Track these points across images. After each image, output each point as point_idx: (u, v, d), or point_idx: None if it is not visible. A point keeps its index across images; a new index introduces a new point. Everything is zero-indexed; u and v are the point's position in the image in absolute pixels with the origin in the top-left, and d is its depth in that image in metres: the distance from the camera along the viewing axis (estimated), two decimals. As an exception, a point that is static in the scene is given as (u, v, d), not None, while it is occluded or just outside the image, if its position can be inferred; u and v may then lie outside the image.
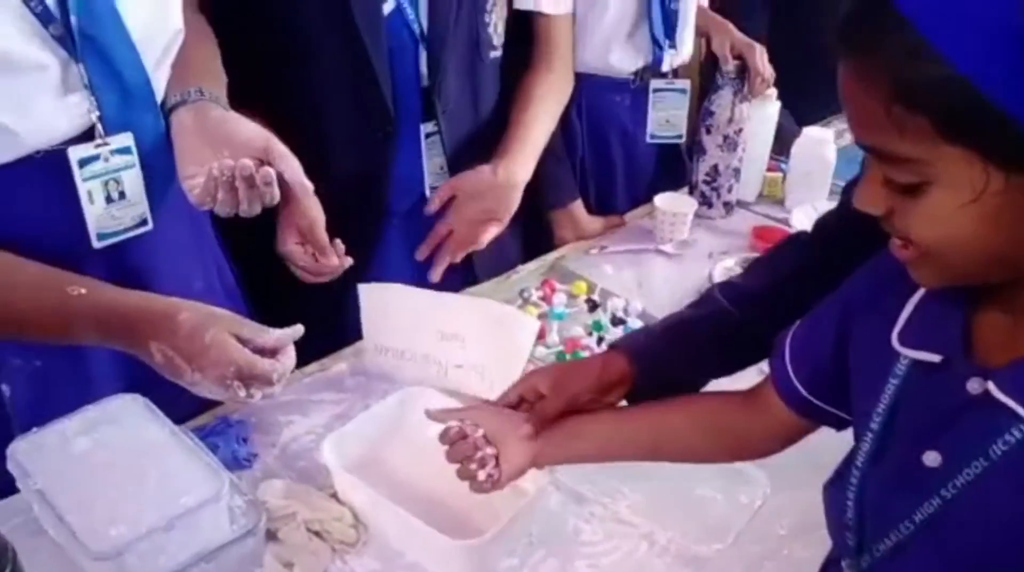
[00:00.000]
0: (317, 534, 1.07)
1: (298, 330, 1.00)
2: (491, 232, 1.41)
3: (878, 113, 0.61)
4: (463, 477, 1.00)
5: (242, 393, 0.95)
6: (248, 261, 1.41)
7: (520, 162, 1.45)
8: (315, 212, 1.31)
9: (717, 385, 1.06)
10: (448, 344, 1.31)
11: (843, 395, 0.82)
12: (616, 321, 1.43)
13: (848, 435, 0.88)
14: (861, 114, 0.64)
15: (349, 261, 1.31)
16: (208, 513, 0.97)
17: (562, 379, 1.02)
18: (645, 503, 1.17)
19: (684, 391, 1.04)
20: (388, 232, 1.46)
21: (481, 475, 0.99)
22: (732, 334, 1.04)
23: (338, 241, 1.33)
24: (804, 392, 0.87)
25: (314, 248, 1.30)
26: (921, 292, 0.74)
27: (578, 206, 1.76)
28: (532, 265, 1.65)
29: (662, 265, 1.72)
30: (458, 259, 1.42)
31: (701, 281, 1.65)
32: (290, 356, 0.99)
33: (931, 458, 0.69)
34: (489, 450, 1.00)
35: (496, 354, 1.28)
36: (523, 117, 1.48)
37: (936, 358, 0.70)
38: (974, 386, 0.67)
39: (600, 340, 1.40)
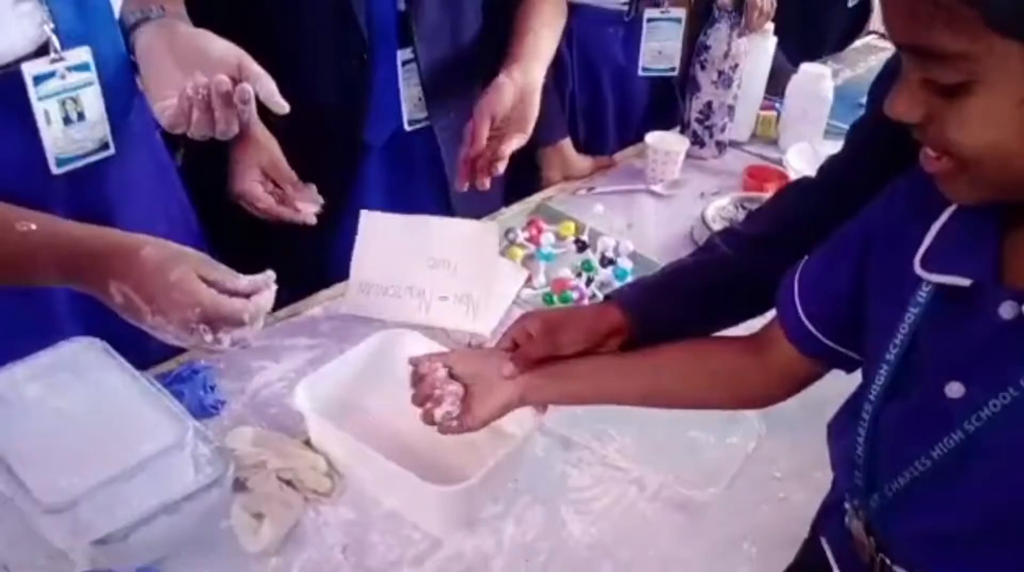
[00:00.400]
0: (289, 483, 1.01)
1: (270, 276, 0.93)
2: (514, 144, 1.31)
3: (925, 4, 0.55)
4: (425, 420, 0.94)
5: (208, 337, 0.87)
6: (210, 208, 1.34)
7: (535, 65, 1.32)
8: (275, 147, 1.24)
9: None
10: (436, 273, 1.26)
11: (858, 334, 0.76)
12: (605, 261, 1.36)
13: (846, 377, 0.82)
14: (905, 7, 0.57)
15: (320, 203, 1.24)
16: (170, 462, 0.91)
17: (553, 324, 0.96)
18: (635, 447, 1.11)
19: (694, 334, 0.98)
20: (366, 166, 1.38)
21: (437, 413, 0.93)
22: (735, 282, 0.96)
23: (311, 184, 1.26)
24: (816, 333, 0.80)
25: (281, 183, 1.23)
26: (946, 215, 0.67)
27: (567, 144, 1.68)
28: (517, 206, 1.58)
29: (653, 206, 1.65)
30: (487, 185, 1.33)
31: (692, 221, 1.58)
32: (265, 296, 0.92)
33: (954, 389, 0.63)
34: (451, 388, 0.95)
35: (483, 282, 1.23)
36: (528, 25, 1.36)
37: (965, 282, 0.63)
38: (1007, 311, 0.61)
39: (589, 281, 1.33)
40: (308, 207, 1.23)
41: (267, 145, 1.23)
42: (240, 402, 1.14)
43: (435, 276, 1.26)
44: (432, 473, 0.98)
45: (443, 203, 1.45)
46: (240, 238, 1.27)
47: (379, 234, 1.28)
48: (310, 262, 1.32)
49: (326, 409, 1.06)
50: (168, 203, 1.22)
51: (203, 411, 1.11)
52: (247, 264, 0.95)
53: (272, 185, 1.23)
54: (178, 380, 1.14)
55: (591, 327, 0.95)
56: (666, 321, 0.96)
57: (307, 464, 1.02)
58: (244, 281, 0.91)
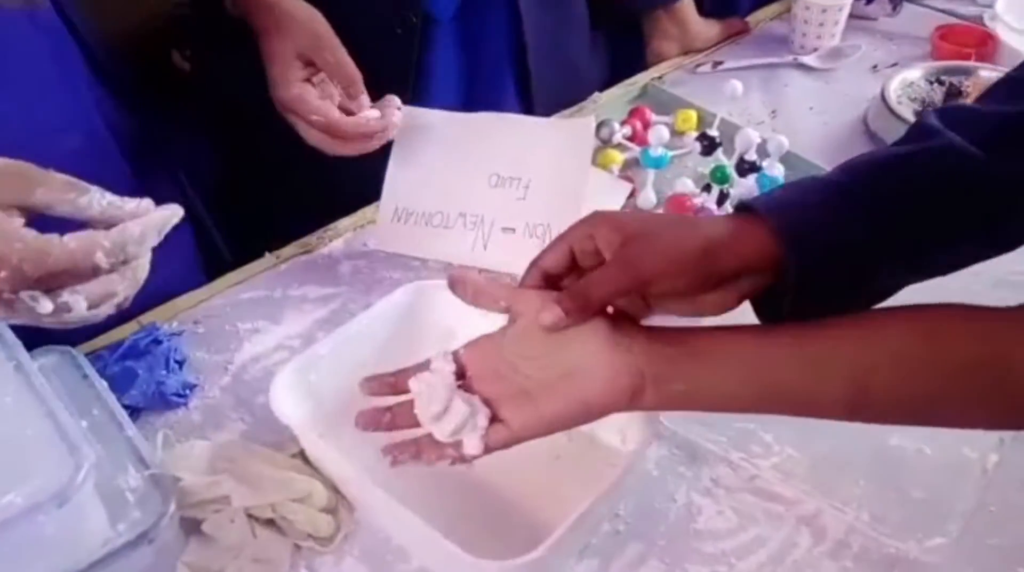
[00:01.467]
0: (271, 524, 0.66)
1: (175, 211, 0.55)
2: None
3: None
4: (392, 457, 0.60)
5: (46, 309, 0.51)
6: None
7: None
8: (318, 20, 0.84)
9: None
10: (501, 193, 0.89)
11: None
12: (745, 167, 0.94)
13: None
14: None
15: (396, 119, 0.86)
16: (58, 515, 0.57)
17: (641, 240, 0.56)
18: (803, 462, 0.72)
19: (871, 298, 0.57)
20: (429, 47, 0.99)
21: (442, 430, 0.58)
22: (972, 191, 0.56)
23: (391, 96, 0.87)
24: None
25: (339, 79, 0.84)
26: None
27: (686, 5, 1.23)
28: (616, 90, 1.16)
29: (805, 85, 1.20)
30: None
31: (865, 104, 1.13)
32: (151, 223, 0.54)
33: None
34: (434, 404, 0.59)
35: (569, 206, 0.84)
36: None
37: None
38: None
39: (723, 197, 0.92)
40: (386, 115, 0.86)
41: (307, 21, 0.84)
42: (217, 386, 0.79)
43: (500, 198, 0.88)
44: (480, 505, 0.62)
45: (520, 89, 1.05)
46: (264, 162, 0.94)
47: (424, 138, 0.90)
48: (348, 184, 0.93)
49: (325, 410, 0.70)
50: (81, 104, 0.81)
51: (162, 401, 0.77)
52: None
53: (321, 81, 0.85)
54: (132, 353, 0.80)
55: (710, 251, 0.55)
56: (850, 255, 0.55)
57: (296, 494, 0.67)
58: (129, 207, 0.53)
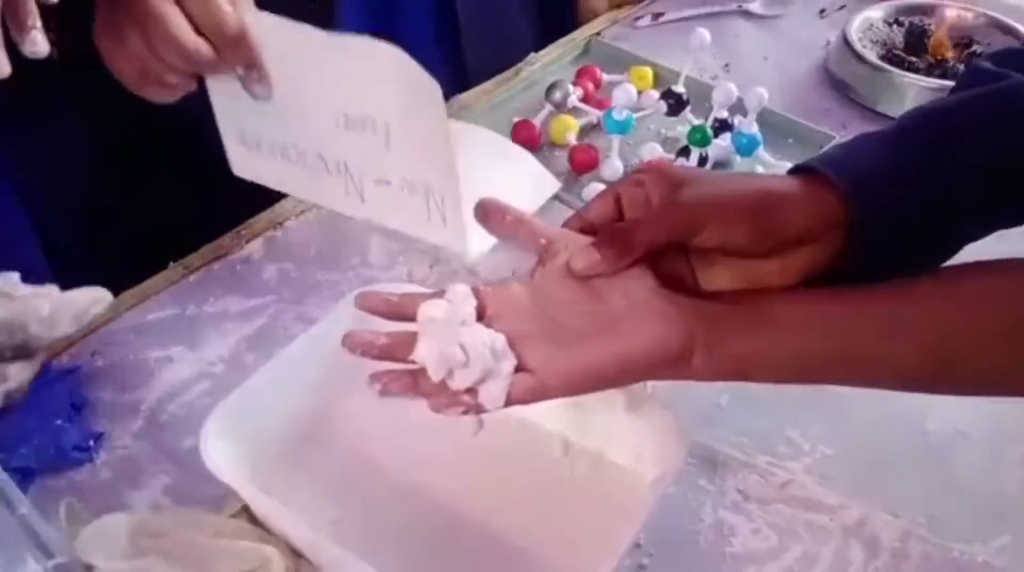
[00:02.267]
0: (217, 606, 0.53)
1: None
2: None
3: None
4: (439, 407, 0.47)
5: None
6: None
7: None
8: None
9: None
10: (359, 138, 0.62)
11: None
12: (716, 127, 0.83)
13: None
14: None
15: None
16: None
17: (695, 185, 0.48)
18: (839, 460, 0.62)
19: (940, 257, 0.49)
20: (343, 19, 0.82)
21: (486, 395, 0.46)
22: None
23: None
24: None
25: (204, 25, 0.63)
26: None
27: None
28: (555, 48, 1.03)
29: (755, 35, 1.10)
30: None
31: (822, 53, 1.05)
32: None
33: None
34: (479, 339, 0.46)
35: (441, 162, 0.59)
36: None
37: None
38: None
39: (703, 161, 0.81)
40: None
41: None
42: (130, 433, 0.64)
43: (358, 144, 0.63)
44: (474, 551, 0.52)
45: (451, 56, 0.92)
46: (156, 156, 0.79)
47: (276, 53, 0.63)
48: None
49: (269, 455, 0.57)
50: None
51: (62, 459, 0.62)
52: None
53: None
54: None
55: (775, 212, 0.47)
56: (924, 214, 0.47)
57: (249, 566, 0.53)
58: None
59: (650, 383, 0.65)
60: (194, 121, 0.70)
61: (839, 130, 0.91)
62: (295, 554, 0.55)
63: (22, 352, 0.40)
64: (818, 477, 0.61)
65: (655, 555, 0.57)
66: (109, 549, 0.52)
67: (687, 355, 0.45)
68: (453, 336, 0.46)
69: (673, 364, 0.46)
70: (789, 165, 0.81)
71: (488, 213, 0.50)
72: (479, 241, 0.63)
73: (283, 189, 0.70)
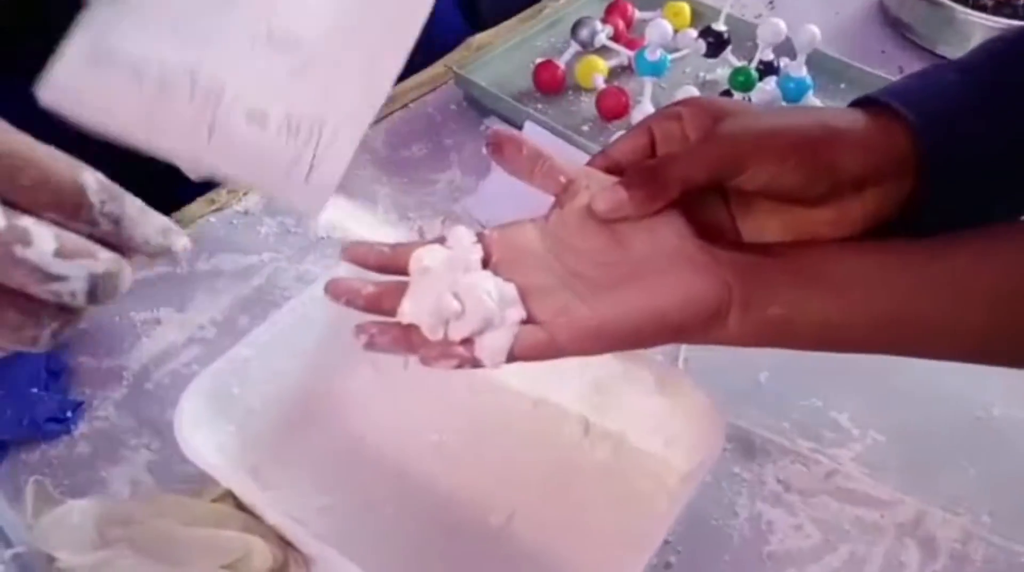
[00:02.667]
0: (197, 600, 0.48)
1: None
2: None
3: None
4: (429, 359, 0.40)
5: None
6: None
7: None
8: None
9: None
10: (266, 58, 0.47)
11: None
12: (761, 69, 0.75)
13: None
14: None
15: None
16: None
17: (740, 118, 0.42)
18: (892, 448, 0.56)
19: (1011, 209, 0.43)
20: None
21: (483, 348, 0.39)
22: None
23: None
24: None
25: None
26: None
27: None
28: (583, -18, 0.95)
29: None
30: None
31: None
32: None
33: None
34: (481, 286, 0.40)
35: (367, 98, 0.46)
36: None
37: None
38: None
39: None
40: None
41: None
42: (112, 402, 0.59)
43: (260, 64, 0.48)
44: (481, 547, 0.47)
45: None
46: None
47: None
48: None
49: (257, 433, 0.51)
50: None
51: (36, 431, 0.57)
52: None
53: None
54: (-11, 366, 0.59)
55: (838, 146, 0.40)
56: (1001, 159, 0.41)
57: (229, 557, 0.48)
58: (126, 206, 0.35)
59: (681, 357, 0.59)
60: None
61: (895, 75, 0.82)
62: (284, 542, 0.50)
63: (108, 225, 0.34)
64: (867, 467, 0.55)
65: (683, 552, 0.51)
66: (73, 539, 0.46)
67: (721, 314, 0.39)
68: (449, 284, 0.40)
69: (704, 324, 0.39)
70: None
71: (502, 144, 0.43)
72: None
73: (104, 124, 0.45)
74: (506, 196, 0.44)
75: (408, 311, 0.40)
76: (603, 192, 0.41)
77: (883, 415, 0.57)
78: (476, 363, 0.39)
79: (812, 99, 0.73)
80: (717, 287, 0.39)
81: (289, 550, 0.50)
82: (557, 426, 0.54)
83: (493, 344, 0.38)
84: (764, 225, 0.43)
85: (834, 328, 0.40)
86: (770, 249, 0.42)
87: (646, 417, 0.51)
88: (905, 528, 0.52)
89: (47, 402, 0.58)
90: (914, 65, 0.86)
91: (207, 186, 0.72)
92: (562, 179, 0.43)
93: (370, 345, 0.40)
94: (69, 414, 0.58)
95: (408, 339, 0.40)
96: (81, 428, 0.57)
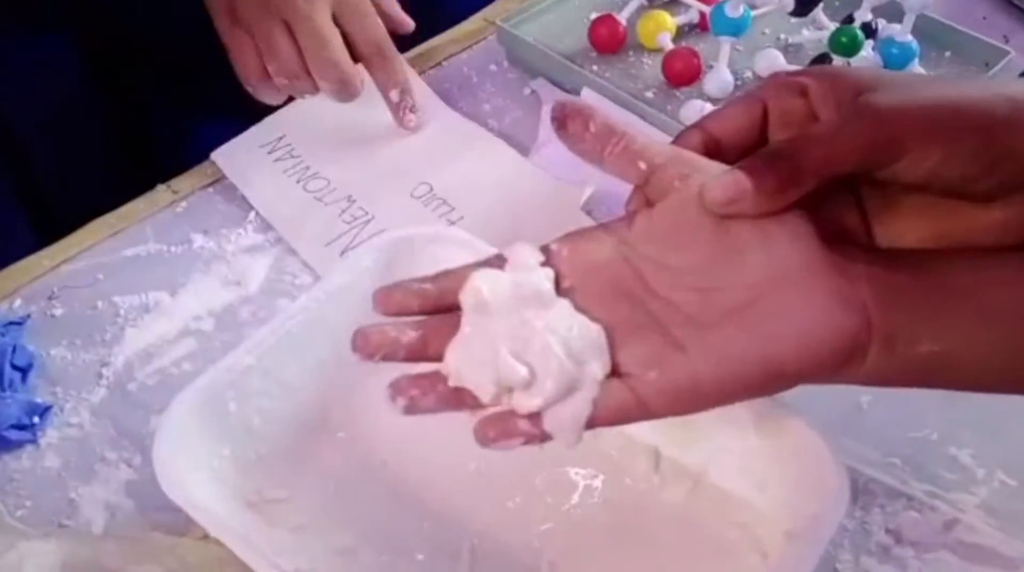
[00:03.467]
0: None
1: None
2: None
3: None
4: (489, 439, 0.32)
5: None
6: None
7: None
8: None
9: None
10: (420, 207, 0.59)
11: None
12: (863, 31, 0.64)
13: None
14: None
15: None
16: None
17: (891, 90, 0.32)
18: (1026, 494, 0.46)
19: None
20: None
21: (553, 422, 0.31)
22: None
23: None
24: None
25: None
26: None
27: None
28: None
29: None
30: None
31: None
32: None
33: None
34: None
35: None
36: None
37: None
38: None
39: None
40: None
41: None
42: (88, 406, 0.50)
43: (415, 209, 0.59)
44: None
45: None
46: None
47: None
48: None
49: (260, 459, 0.42)
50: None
51: (-6, 439, 0.48)
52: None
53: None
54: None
55: (1016, 121, 0.31)
56: None
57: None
58: None
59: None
60: (192, 38, 0.57)
61: (1001, 42, 0.71)
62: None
63: None
64: (996, 516, 0.45)
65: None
66: (26, 592, 0.37)
67: (857, 356, 0.30)
68: (513, 330, 0.30)
69: (836, 369, 0.31)
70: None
71: (568, 117, 0.34)
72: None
73: (258, 206, 0.59)
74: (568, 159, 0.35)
75: (457, 371, 0.31)
76: (719, 180, 0.31)
77: (1014, 452, 0.47)
78: (545, 439, 0.30)
79: (917, 68, 0.63)
80: (854, 322, 0.30)
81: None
82: (622, 458, 0.44)
83: (568, 415, 0.29)
84: (908, 227, 0.34)
85: (993, 369, 0.32)
86: (912, 260, 0.32)
87: (736, 455, 0.41)
88: (1045, 596, 0.43)
89: (10, 404, 0.49)
90: (1018, 33, 0.75)
91: (203, 154, 0.62)
92: (642, 166, 0.33)
93: (411, 409, 0.31)
94: (36, 420, 0.49)
95: (461, 400, 0.31)
96: (49, 437, 0.49)
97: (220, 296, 0.55)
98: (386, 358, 0.32)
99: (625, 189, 0.35)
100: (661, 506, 0.43)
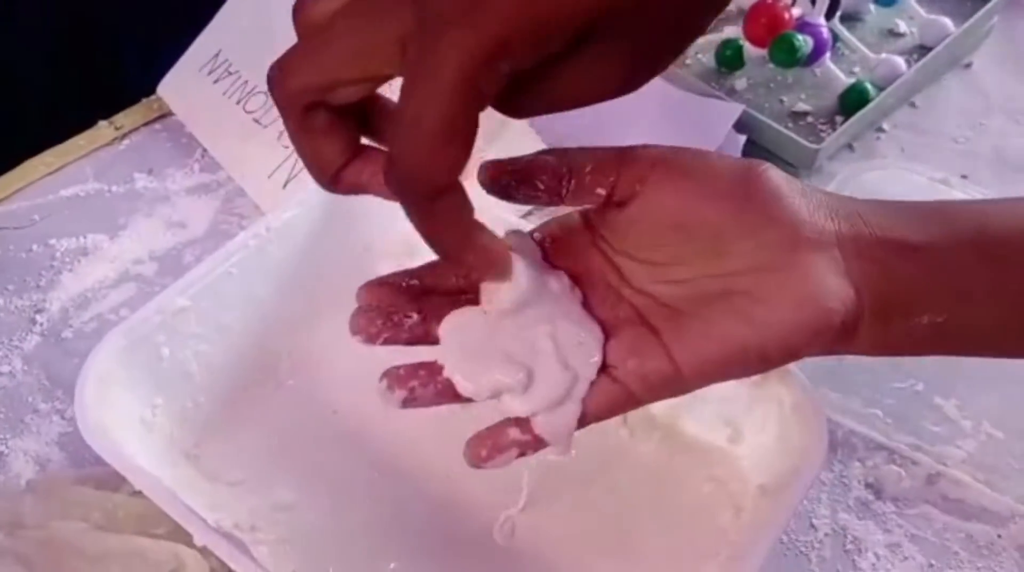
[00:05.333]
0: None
1: None
2: None
3: None
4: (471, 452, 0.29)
5: None
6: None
7: None
8: None
9: None
10: None
11: None
12: None
13: None
14: None
15: None
16: None
17: None
18: (1013, 447, 0.44)
19: None
20: None
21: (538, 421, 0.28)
22: None
23: None
24: None
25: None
26: None
27: None
28: None
29: None
30: None
31: None
32: None
33: None
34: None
35: None
36: None
37: None
38: None
39: (834, 5, 0.58)
40: None
41: None
42: (20, 352, 0.47)
43: None
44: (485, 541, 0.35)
45: None
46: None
47: None
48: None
49: (195, 407, 0.39)
50: None
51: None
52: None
53: None
54: None
55: None
56: None
57: (147, 568, 0.36)
58: None
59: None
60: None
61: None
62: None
63: None
64: (982, 470, 0.43)
65: None
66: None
67: (847, 330, 0.28)
68: (519, 331, 0.28)
69: (825, 346, 0.28)
70: (943, 20, 0.60)
71: (497, 178, 0.29)
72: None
73: (200, 136, 0.55)
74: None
75: (453, 366, 0.28)
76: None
77: (1001, 404, 0.45)
78: (539, 446, 0.28)
79: (909, 2, 0.60)
80: (841, 300, 0.28)
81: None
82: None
83: (560, 420, 0.28)
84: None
85: (1007, 335, 0.30)
86: (911, 230, 0.29)
87: (712, 403, 0.39)
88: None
89: (-65, 352, 0.45)
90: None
91: (149, 88, 0.58)
92: (600, 191, 0.29)
93: (410, 402, 0.29)
94: (-37, 368, 0.45)
95: (458, 394, 0.29)
96: (-28, 389, 0.45)
97: (163, 239, 0.52)
98: (388, 342, 0.29)
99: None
100: (634, 460, 0.41)
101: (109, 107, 0.58)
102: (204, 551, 0.37)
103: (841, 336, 0.28)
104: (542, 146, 0.53)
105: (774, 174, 0.29)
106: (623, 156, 0.29)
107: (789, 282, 0.27)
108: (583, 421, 0.28)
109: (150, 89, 0.58)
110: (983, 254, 0.29)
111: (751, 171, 0.28)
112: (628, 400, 0.28)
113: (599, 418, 0.28)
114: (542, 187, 0.29)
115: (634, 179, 0.29)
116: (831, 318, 0.27)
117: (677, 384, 0.28)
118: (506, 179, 0.29)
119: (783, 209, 0.28)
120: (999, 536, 0.41)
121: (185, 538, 0.36)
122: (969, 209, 0.31)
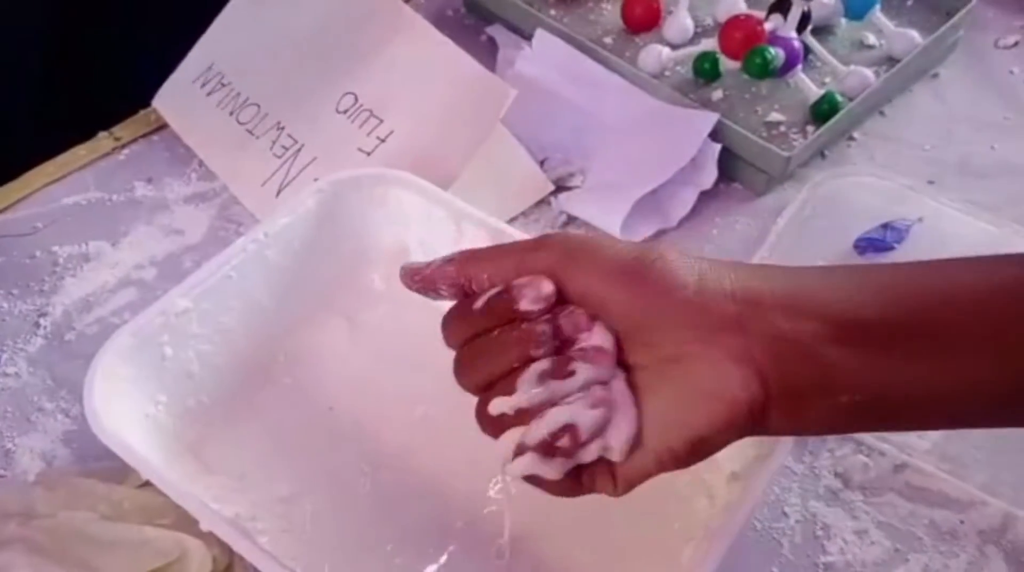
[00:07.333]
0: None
1: None
2: None
3: None
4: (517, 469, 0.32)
5: None
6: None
7: None
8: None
9: None
10: (346, 125, 0.56)
11: None
12: None
13: None
14: None
15: None
16: None
17: None
18: (975, 437, 0.46)
19: None
20: None
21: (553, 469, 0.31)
22: None
23: None
24: None
25: None
26: None
27: None
28: None
29: None
30: None
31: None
32: None
33: None
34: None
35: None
36: None
37: None
38: None
39: (805, 19, 0.60)
40: None
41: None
42: (25, 355, 0.49)
43: (342, 130, 0.55)
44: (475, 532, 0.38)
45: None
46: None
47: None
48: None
49: (198, 404, 0.41)
50: None
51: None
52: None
53: None
54: None
55: None
56: None
57: (159, 562, 0.38)
58: None
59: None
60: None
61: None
62: (226, 546, 0.40)
63: None
64: (945, 461, 0.45)
65: (724, 561, 0.41)
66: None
67: (756, 416, 0.29)
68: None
69: (742, 432, 0.30)
70: (911, 33, 0.62)
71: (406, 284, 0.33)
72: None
73: (195, 148, 0.58)
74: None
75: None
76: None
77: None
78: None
79: (879, 15, 0.62)
80: (745, 384, 0.28)
81: (235, 554, 0.40)
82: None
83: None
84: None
85: (949, 408, 0.30)
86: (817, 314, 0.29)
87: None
88: (989, 535, 0.43)
89: (-56, 354, 0.47)
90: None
91: (146, 99, 0.60)
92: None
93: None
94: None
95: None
96: (-24, 394, 0.47)
97: (162, 245, 0.54)
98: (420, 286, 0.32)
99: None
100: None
101: (106, 119, 0.60)
102: (207, 541, 0.39)
103: (752, 423, 0.29)
104: (524, 155, 0.56)
105: (669, 261, 0.29)
106: (523, 259, 0.30)
107: (689, 376, 0.28)
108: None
109: (146, 101, 0.60)
110: (898, 327, 0.29)
111: (641, 262, 0.29)
112: (624, 486, 0.31)
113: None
114: (445, 293, 0.32)
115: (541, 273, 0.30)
116: (738, 408, 0.28)
117: (655, 466, 0.30)
118: (415, 286, 0.32)
119: (676, 300, 0.29)
120: (961, 522, 0.43)
121: (189, 528, 0.39)
122: (880, 277, 0.31)
